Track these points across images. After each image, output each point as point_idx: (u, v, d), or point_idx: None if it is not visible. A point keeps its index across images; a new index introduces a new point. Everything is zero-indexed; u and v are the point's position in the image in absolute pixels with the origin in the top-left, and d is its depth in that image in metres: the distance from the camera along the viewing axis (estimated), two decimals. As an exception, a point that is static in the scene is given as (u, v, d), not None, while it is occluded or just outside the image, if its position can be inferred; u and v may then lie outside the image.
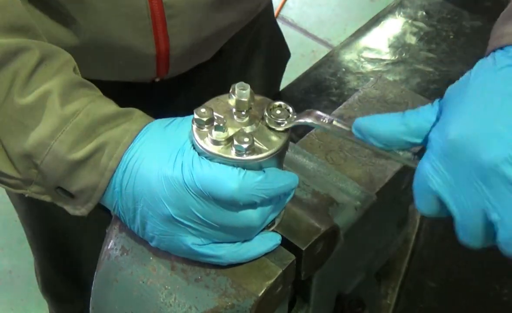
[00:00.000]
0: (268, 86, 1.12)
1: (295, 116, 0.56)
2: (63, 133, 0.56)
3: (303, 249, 0.60)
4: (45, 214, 1.02)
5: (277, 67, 1.17)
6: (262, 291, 0.57)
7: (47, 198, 0.61)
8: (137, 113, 0.60)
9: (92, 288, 0.63)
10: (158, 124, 0.59)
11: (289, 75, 1.83)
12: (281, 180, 0.55)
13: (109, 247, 0.62)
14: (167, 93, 0.93)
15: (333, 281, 0.78)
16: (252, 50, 1.05)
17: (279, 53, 1.15)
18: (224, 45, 0.94)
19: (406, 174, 0.80)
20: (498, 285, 0.94)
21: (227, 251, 0.57)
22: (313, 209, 0.65)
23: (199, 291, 0.58)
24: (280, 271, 0.58)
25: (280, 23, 2.88)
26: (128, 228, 0.60)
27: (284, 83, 1.31)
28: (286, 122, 0.55)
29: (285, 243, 0.60)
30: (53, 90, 0.57)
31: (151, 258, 0.60)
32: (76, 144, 0.56)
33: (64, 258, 1.11)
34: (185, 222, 0.54)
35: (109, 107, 0.59)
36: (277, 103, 0.56)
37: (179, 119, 0.58)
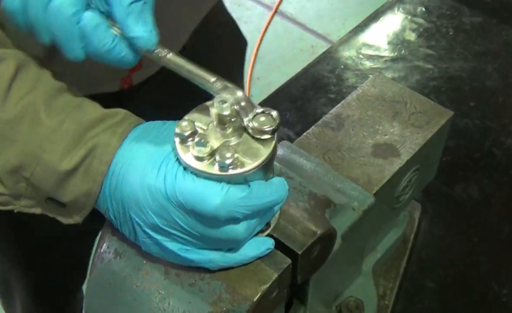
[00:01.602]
0: (232, 77, 1.11)
1: (278, 121, 0.53)
2: (52, 143, 0.54)
3: (299, 253, 0.59)
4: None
5: (238, 56, 1.16)
6: (257, 296, 0.56)
7: (37, 211, 0.59)
8: (123, 113, 0.58)
9: (85, 291, 0.63)
10: (146, 127, 0.57)
11: (288, 70, 1.82)
12: (267, 195, 0.53)
13: (102, 250, 0.61)
14: (137, 101, 0.90)
15: (330, 283, 0.78)
16: (214, 43, 1.04)
17: (238, 41, 1.14)
18: (187, 41, 0.94)
19: (404, 174, 0.79)
20: (497, 286, 0.93)
21: (216, 256, 0.56)
22: (310, 211, 0.64)
23: (193, 296, 0.57)
24: (275, 276, 0.57)
25: (279, 18, 2.89)
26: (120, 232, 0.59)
27: (282, 80, 1.30)
28: (270, 129, 0.53)
29: (280, 246, 0.59)
30: (36, 101, 0.55)
31: (144, 262, 0.59)
32: (66, 153, 0.55)
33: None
34: (171, 230, 0.53)
35: (95, 110, 0.57)
36: (260, 109, 0.53)
37: (167, 123, 0.57)
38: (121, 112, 0.58)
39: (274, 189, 0.54)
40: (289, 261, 0.59)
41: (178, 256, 0.55)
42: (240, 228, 0.54)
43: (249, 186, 0.52)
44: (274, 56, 2.54)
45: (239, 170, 0.51)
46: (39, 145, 0.54)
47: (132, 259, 0.59)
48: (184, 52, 0.93)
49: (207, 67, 0.56)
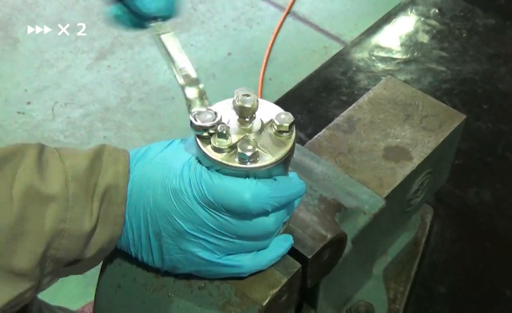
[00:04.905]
0: None
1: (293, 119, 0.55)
2: (69, 211, 0.51)
3: (309, 257, 0.59)
4: None
5: None
6: (267, 300, 0.56)
7: (53, 282, 0.55)
8: (108, 149, 0.56)
9: (95, 293, 0.63)
10: (156, 147, 0.57)
11: (300, 71, 1.81)
12: (292, 186, 0.55)
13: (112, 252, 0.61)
14: None
15: (340, 287, 0.77)
16: None
17: None
18: None
19: (416, 178, 0.79)
20: (509, 291, 0.92)
21: (246, 259, 0.55)
22: (320, 215, 0.64)
23: (202, 299, 0.57)
24: (285, 280, 0.57)
25: (291, 19, 2.88)
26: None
27: (294, 80, 1.30)
28: (290, 128, 0.54)
29: (291, 250, 0.59)
30: (32, 183, 0.50)
31: (154, 264, 0.59)
32: (86, 212, 0.52)
33: None
34: (200, 235, 0.53)
35: (80, 157, 0.54)
36: (281, 110, 0.55)
37: (170, 141, 0.57)
38: (104, 149, 0.55)
39: (297, 181, 0.56)
40: (299, 265, 0.59)
41: (207, 265, 0.55)
42: (269, 221, 0.54)
43: (275, 179, 0.53)
44: (286, 57, 2.54)
45: (267, 162, 0.52)
46: (57, 219, 0.51)
47: (142, 261, 0.59)
48: None
49: None
